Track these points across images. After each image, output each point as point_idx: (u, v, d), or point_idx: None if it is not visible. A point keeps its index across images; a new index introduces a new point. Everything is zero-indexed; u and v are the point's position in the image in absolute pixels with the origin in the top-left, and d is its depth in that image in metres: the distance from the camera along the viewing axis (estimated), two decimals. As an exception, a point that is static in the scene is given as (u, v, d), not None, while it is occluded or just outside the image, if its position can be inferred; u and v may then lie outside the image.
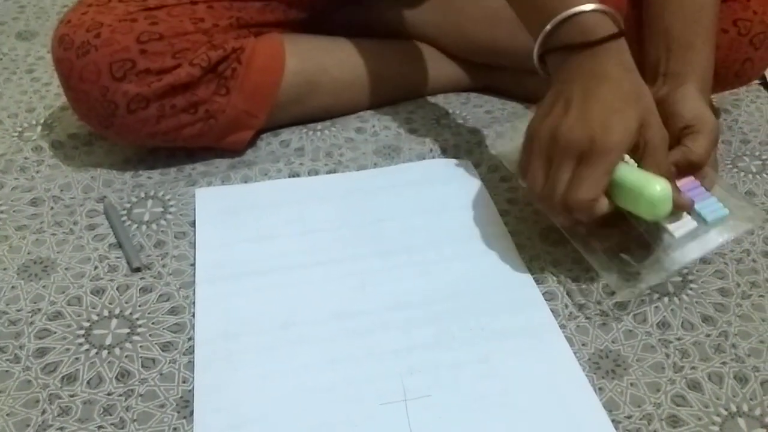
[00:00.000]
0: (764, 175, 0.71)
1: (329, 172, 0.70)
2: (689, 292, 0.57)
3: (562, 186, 0.51)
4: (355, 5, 0.80)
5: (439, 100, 0.81)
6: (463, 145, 0.74)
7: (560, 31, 0.53)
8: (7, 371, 0.51)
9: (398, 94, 0.80)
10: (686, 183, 0.55)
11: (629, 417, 0.48)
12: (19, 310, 0.55)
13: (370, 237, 0.62)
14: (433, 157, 0.72)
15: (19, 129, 0.75)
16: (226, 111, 0.68)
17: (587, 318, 0.55)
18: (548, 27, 0.53)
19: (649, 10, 0.63)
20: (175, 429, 0.47)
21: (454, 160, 0.71)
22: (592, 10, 0.52)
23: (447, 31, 0.79)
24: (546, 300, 0.56)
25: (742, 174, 0.71)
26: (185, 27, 0.65)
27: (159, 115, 0.65)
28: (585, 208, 0.51)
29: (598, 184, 0.51)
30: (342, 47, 0.76)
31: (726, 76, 0.71)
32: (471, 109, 0.80)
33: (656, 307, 0.56)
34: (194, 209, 0.64)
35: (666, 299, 0.57)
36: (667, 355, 0.53)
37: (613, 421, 0.48)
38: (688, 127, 0.56)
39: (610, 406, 0.49)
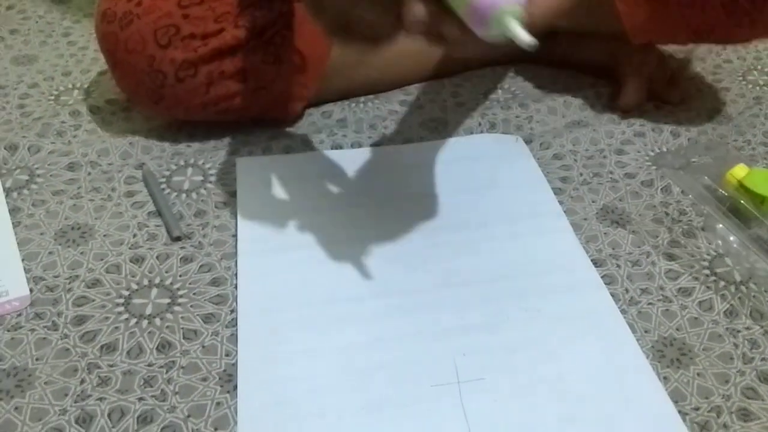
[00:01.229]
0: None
1: (373, 144, 0.68)
2: (759, 279, 0.54)
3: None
4: None
5: (487, 72, 0.78)
6: (513, 120, 0.71)
7: None
8: (44, 338, 0.49)
9: (446, 68, 0.77)
10: None
11: (697, 409, 0.46)
12: (56, 277, 0.53)
13: (416, 212, 0.59)
14: (482, 132, 0.69)
15: (56, 92, 0.73)
16: (276, 81, 0.65)
17: (650, 304, 0.52)
18: None
19: None
20: (218, 403, 0.45)
21: (504, 135, 0.68)
22: None
23: None
24: (605, 284, 0.53)
25: (750, 86, 0.68)
26: None
27: (208, 83, 0.63)
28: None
29: None
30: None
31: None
32: (520, 82, 0.77)
33: (722, 295, 0.53)
34: (235, 179, 0.62)
35: (733, 287, 0.54)
36: (736, 345, 0.49)
37: (679, 412, 0.45)
38: None
39: (675, 397, 0.46)
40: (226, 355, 0.48)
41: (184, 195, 0.61)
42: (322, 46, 0.67)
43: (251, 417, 0.44)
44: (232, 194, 0.61)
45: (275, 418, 0.44)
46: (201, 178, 0.63)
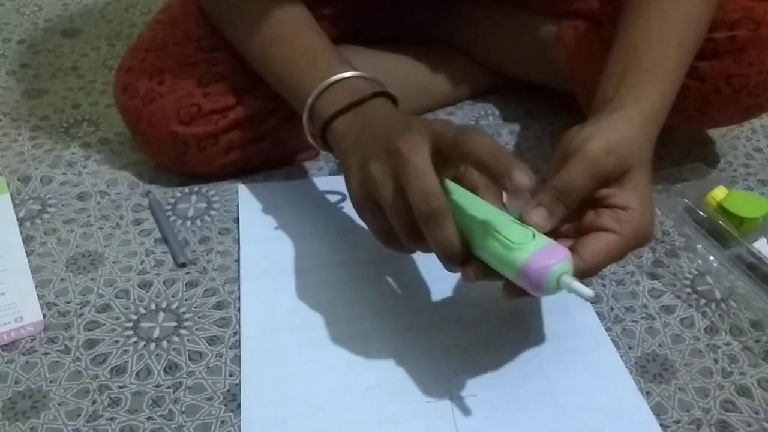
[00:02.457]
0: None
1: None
2: (737, 297, 0.57)
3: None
4: (388, 16, 0.80)
5: (477, 101, 0.81)
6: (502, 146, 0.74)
7: (329, 97, 0.53)
8: (57, 362, 0.51)
9: (440, 102, 0.80)
10: None
11: (678, 422, 0.48)
12: (68, 302, 0.56)
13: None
14: (474, 158, 0.72)
15: (65, 125, 0.77)
16: (292, 136, 0.68)
17: (633, 321, 0.55)
18: (312, 98, 0.53)
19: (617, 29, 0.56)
20: (222, 422, 0.48)
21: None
22: (354, 76, 0.53)
23: (479, 49, 0.79)
24: (591, 303, 0.56)
25: None
26: (242, 64, 0.64)
27: (228, 148, 0.66)
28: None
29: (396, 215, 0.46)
30: (389, 59, 0.76)
31: (729, 122, 0.68)
32: (513, 108, 0.80)
33: (703, 312, 0.56)
34: (237, 205, 0.65)
35: (713, 305, 0.56)
36: (716, 360, 0.52)
37: (661, 425, 0.47)
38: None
39: (658, 411, 0.48)
40: (230, 375, 0.51)
41: (189, 222, 0.64)
42: None
43: (254, 434, 0.47)
44: (235, 220, 0.64)
45: (277, 434, 0.47)
46: (205, 205, 0.66)
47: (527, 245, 0.40)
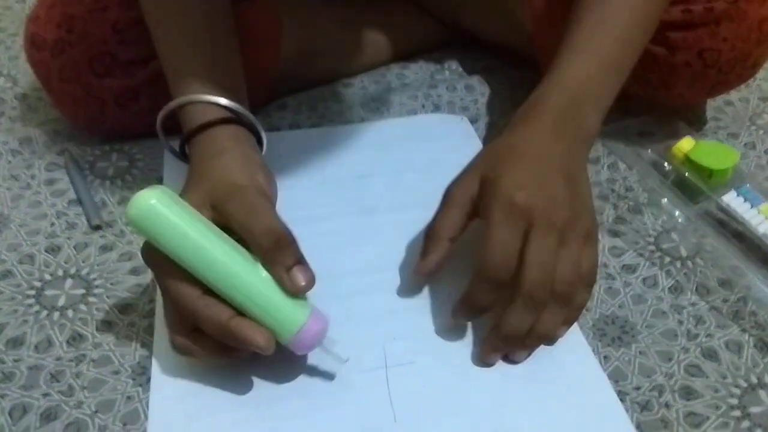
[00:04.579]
0: (785, 134, 0.65)
1: (312, 126, 0.65)
2: (705, 255, 0.52)
3: None
4: None
5: (433, 55, 0.75)
6: (458, 102, 0.69)
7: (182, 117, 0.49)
8: (-53, 334, 0.46)
9: (394, 54, 0.74)
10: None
11: (638, 388, 0.43)
12: (-35, 269, 0.50)
13: (353, 194, 0.57)
14: (426, 113, 0.67)
15: (-20, 81, 0.70)
16: None
17: (591, 281, 0.50)
18: (163, 113, 0.50)
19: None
20: (129, 397, 0.42)
21: (448, 116, 0.66)
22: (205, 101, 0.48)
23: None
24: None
25: (761, 132, 0.65)
26: None
27: (152, 106, 0.58)
28: None
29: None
30: (339, 12, 0.70)
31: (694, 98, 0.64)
32: (469, 63, 0.74)
33: (668, 270, 0.51)
34: (163, 164, 0.59)
35: (678, 263, 0.52)
36: (680, 322, 0.47)
37: (620, 392, 0.43)
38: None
39: (616, 376, 0.44)
40: (142, 347, 0.45)
41: (108, 182, 0.58)
42: (272, 50, 0.64)
43: (163, 411, 0.41)
44: (160, 180, 0.58)
45: (188, 411, 0.41)
46: (127, 163, 0.60)
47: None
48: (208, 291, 0.39)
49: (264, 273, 0.40)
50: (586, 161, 0.47)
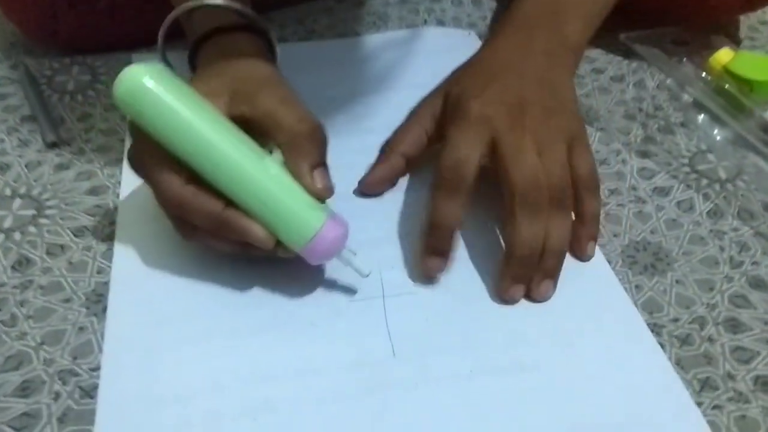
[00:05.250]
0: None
1: (300, 40, 0.58)
2: (747, 176, 0.46)
3: None
4: None
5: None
6: (465, 18, 0.61)
7: (195, 20, 0.43)
8: None
9: None
10: None
11: (675, 320, 0.37)
12: None
13: (346, 113, 0.50)
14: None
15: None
16: None
17: (619, 205, 0.44)
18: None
19: None
20: (81, 328, 0.36)
21: (454, 30, 0.59)
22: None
23: None
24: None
25: None
26: None
27: (112, 11, 0.51)
28: None
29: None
30: None
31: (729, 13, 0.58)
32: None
33: (705, 194, 0.45)
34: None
35: (717, 185, 0.45)
36: (722, 249, 0.41)
37: (654, 325, 0.37)
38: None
39: (650, 308, 0.38)
40: (98, 273, 0.39)
41: (68, 97, 0.51)
42: None
43: (120, 342, 0.35)
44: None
45: (148, 342, 0.35)
46: (89, 77, 0.53)
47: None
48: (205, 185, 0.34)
49: (274, 170, 0.34)
50: (569, 70, 0.42)
